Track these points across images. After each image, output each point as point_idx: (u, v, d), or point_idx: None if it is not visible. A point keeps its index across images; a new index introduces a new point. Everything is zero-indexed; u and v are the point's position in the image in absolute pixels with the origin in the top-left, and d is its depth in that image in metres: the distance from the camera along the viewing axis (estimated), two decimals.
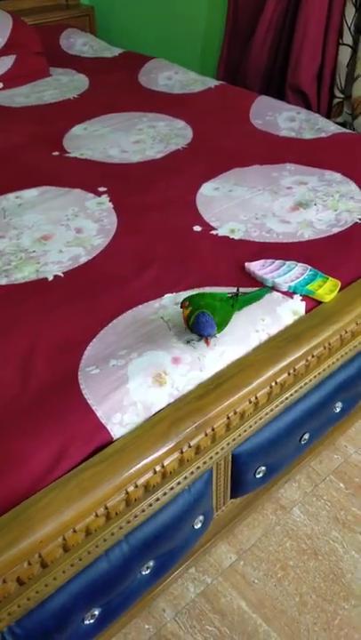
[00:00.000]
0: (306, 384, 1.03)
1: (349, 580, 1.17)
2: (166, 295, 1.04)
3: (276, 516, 1.29)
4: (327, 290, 0.99)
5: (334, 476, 1.38)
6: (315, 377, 1.04)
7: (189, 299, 0.90)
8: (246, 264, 1.08)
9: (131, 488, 0.73)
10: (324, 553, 1.22)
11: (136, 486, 0.74)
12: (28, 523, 0.65)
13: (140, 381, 0.83)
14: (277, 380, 0.89)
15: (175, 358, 0.87)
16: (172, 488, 0.86)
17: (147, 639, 1.09)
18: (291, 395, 1.01)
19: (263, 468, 1.06)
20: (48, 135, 1.70)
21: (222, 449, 0.93)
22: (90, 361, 0.88)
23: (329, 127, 1.61)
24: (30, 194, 1.40)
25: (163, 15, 2.52)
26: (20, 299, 1.05)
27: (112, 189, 1.40)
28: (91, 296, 1.05)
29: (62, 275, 1.11)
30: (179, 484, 0.86)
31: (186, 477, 0.88)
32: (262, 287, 1.01)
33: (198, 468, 0.89)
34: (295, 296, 1.00)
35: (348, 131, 1.61)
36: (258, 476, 1.06)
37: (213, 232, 1.22)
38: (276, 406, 0.99)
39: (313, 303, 1.00)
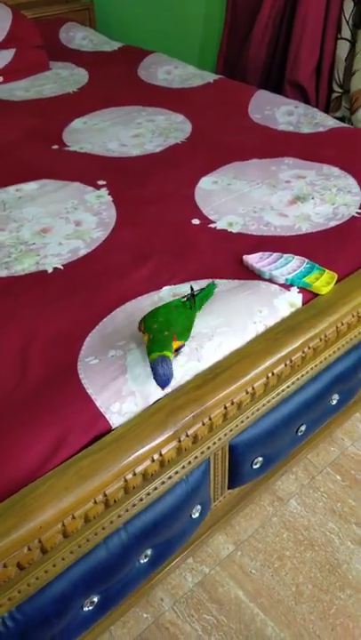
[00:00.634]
0: (302, 376, 1.04)
1: (345, 570, 1.19)
2: (165, 287, 1.04)
3: (273, 507, 1.30)
4: (324, 282, 1.00)
5: (331, 469, 1.39)
6: (311, 369, 1.05)
7: (143, 320, 0.86)
8: (244, 257, 1.09)
9: (129, 476, 0.74)
10: (321, 544, 1.23)
11: (134, 474, 0.75)
12: (27, 509, 0.66)
13: (138, 371, 0.84)
14: (274, 371, 0.90)
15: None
16: (170, 477, 0.87)
17: (145, 628, 1.10)
18: (287, 386, 1.02)
19: (260, 458, 1.07)
20: (48, 129, 1.70)
21: (220, 439, 0.94)
22: (89, 351, 0.89)
23: (327, 122, 1.62)
24: (30, 187, 1.40)
25: (162, 10, 2.52)
26: (20, 291, 1.05)
27: (111, 183, 1.40)
28: (90, 288, 1.06)
29: (62, 267, 1.12)
30: (176, 473, 0.87)
31: (184, 467, 0.89)
32: (209, 284, 1.00)
33: (196, 457, 0.90)
34: (292, 288, 1.01)
35: (346, 125, 1.61)
36: (255, 467, 1.07)
37: (212, 225, 1.23)
38: (273, 398, 1.00)
39: (310, 295, 1.01)
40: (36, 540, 0.67)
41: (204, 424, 0.82)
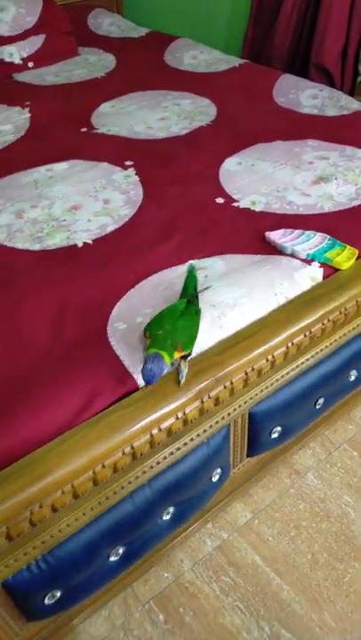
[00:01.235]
0: (321, 350, 1.07)
1: (360, 542, 1.22)
2: (190, 261, 1.08)
3: (290, 479, 1.34)
4: (345, 258, 1.03)
5: (348, 445, 1.42)
6: (331, 344, 1.08)
7: (148, 326, 0.84)
8: (266, 233, 1.12)
9: (155, 431, 0.79)
10: (337, 516, 1.27)
11: (160, 430, 0.80)
12: (62, 455, 0.72)
13: None
14: (294, 341, 0.93)
15: None
16: (192, 439, 0.92)
17: (166, 586, 1.16)
18: (307, 359, 1.05)
19: (279, 428, 1.11)
20: (76, 112, 1.75)
21: (240, 406, 0.98)
22: (117, 317, 0.94)
23: (352, 105, 1.63)
24: (60, 167, 1.46)
25: None
26: (53, 263, 1.11)
27: (138, 163, 1.45)
28: (118, 261, 1.10)
29: (91, 242, 1.17)
30: (198, 435, 0.92)
31: (205, 430, 0.93)
32: (188, 269, 0.99)
33: (217, 422, 0.95)
34: (313, 263, 1.04)
35: None
36: (273, 436, 1.11)
37: (235, 204, 1.26)
38: (293, 370, 1.03)
39: (330, 270, 1.04)
40: (69, 484, 0.73)
41: (225, 387, 0.86)
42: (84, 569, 0.88)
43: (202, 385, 0.83)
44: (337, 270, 1.04)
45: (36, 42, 2.16)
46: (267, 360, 0.91)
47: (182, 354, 0.82)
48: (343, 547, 1.21)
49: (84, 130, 1.65)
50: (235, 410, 0.98)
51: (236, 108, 1.70)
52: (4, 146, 1.58)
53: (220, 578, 1.17)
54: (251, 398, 0.99)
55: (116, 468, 0.77)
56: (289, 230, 1.11)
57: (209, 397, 0.85)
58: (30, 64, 2.15)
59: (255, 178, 1.35)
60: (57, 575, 0.84)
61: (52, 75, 2.07)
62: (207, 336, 0.90)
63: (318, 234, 1.09)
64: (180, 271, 1.05)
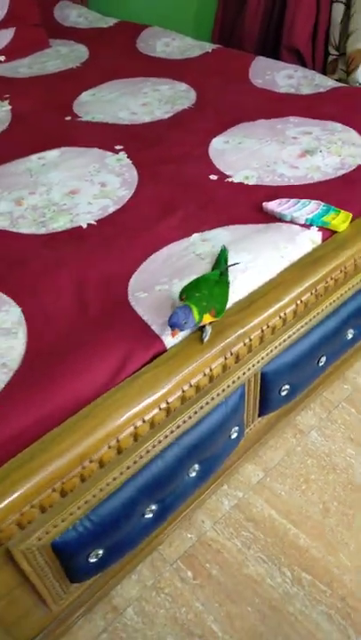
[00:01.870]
0: (324, 309, 1.14)
1: None
2: (194, 234, 1.14)
3: (295, 439, 1.42)
4: (340, 221, 1.10)
5: (346, 403, 1.51)
6: (332, 303, 1.15)
7: (185, 291, 0.88)
8: (264, 204, 1.18)
9: (186, 387, 0.85)
10: (342, 467, 1.35)
11: (190, 386, 0.85)
12: (107, 411, 0.77)
13: None
14: (302, 299, 1.00)
15: None
16: (218, 394, 0.98)
17: (190, 545, 1.22)
18: (311, 319, 1.13)
19: (287, 386, 1.18)
20: (58, 102, 1.77)
21: (253, 365, 1.04)
22: (136, 287, 0.99)
23: (326, 82, 1.71)
24: (52, 154, 1.48)
25: None
26: (61, 244, 1.14)
27: (128, 147, 1.48)
28: (125, 238, 1.15)
29: (95, 222, 1.21)
30: (223, 390, 0.98)
31: (226, 388, 0.99)
32: (221, 249, 1.03)
33: (237, 379, 1.01)
34: (312, 227, 1.11)
35: (344, 85, 1.70)
36: (283, 394, 1.18)
37: (229, 180, 1.32)
38: (300, 328, 1.10)
39: (328, 233, 1.11)
40: (114, 439, 0.77)
41: (245, 344, 0.92)
42: (124, 526, 0.92)
43: (225, 342, 0.89)
44: (334, 233, 1.11)
45: (7, 35, 2.16)
46: (280, 317, 0.97)
47: (214, 320, 0.87)
48: (351, 494, 1.30)
49: (68, 118, 1.67)
50: (249, 369, 1.04)
51: (215, 91, 1.76)
52: None
53: (240, 533, 1.24)
54: (263, 358, 1.06)
55: (154, 423, 0.83)
56: (285, 200, 1.18)
57: (231, 354, 0.91)
58: (2, 58, 2.14)
59: (244, 154, 1.41)
60: (100, 533, 0.89)
61: (25, 67, 2.07)
62: None
63: (313, 201, 1.16)
64: (187, 243, 1.11)
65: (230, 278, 0.96)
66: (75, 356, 0.84)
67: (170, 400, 0.83)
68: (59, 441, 0.73)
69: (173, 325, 0.80)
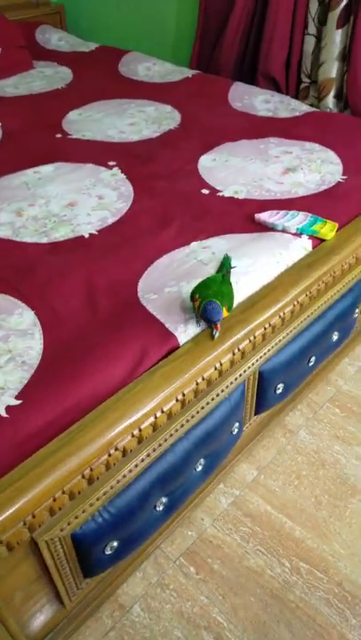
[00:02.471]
0: (314, 312, 1.23)
1: (353, 481, 1.39)
2: (193, 242, 1.21)
3: (285, 438, 1.50)
4: (328, 230, 1.20)
5: (330, 404, 1.60)
6: (319, 306, 1.24)
7: (197, 291, 0.95)
8: (256, 215, 1.27)
9: (199, 380, 0.91)
10: (330, 463, 1.43)
11: (203, 379, 0.91)
12: (128, 401, 0.82)
13: None
14: (298, 300, 1.09)
15: None
16: (227, 386, 1.04)
17: (191, 543, 1.26)
18: (303, 320, 1.21)
19: (281, 385, 1.25)
20: (47, 120, 1.83)
21: (253, 364, 1.12)
22: (146, 290, 1.05)
23: (301, 107, 1.84)
24: (47, 169, 1.54)
25: (132, 12, 2.69)
26: (66, 252, 1.19)
27: (121, 163, 1.56)
28: (127, 246, 1.21)
29: (96, 232, 1.26)
30: (231, 383, 1.05)
31: (230, 384, 1.06)
32: (225, 257, 1.11)
33: (240, 375, 1.07)
34: (303, 236, 1.20)
35: (318, 109, 1.84)
36: (277, 392, 1.25)
37: (220, 194, 1.41)
38: (294, 328, 1.19)
39: (317, 241, 1.21)
40: (137, 428, 0.82)
41: (250, 341, 1.00)
42: (138, 518, 0.96)
43: (233, 339, 0.96)
44: (322, 241, 1.21)
45: None
46: (279, 317, 1.05)
47: (227, 315, 0.95)
48: (340, 487, 1.38)
49: (59, 136, 1.74)
50: (249, 367, 1.11)
51: (198, 113, 1.86)
52: None
53: (238, 529, 1.29)
54: (262, 356, 1.13)
55: (171, 413, 0.88)
56: (275, 211, 1.27)
57: (238, 350, 0.97)
58: None
59: (231, 171, 1.50)
60: (117, 525, 0.92)
61: (11, 87, 2.14)
62: None
63: (301, 212, 1.26)
64: (188, 250, 1.18)
65: (233, 280, 1.04)
66: (93, 353, 0.89)
67: (185, 392, 0.89)
68: (89, 429, 0.77)
69: (217, 321, 0.89)
